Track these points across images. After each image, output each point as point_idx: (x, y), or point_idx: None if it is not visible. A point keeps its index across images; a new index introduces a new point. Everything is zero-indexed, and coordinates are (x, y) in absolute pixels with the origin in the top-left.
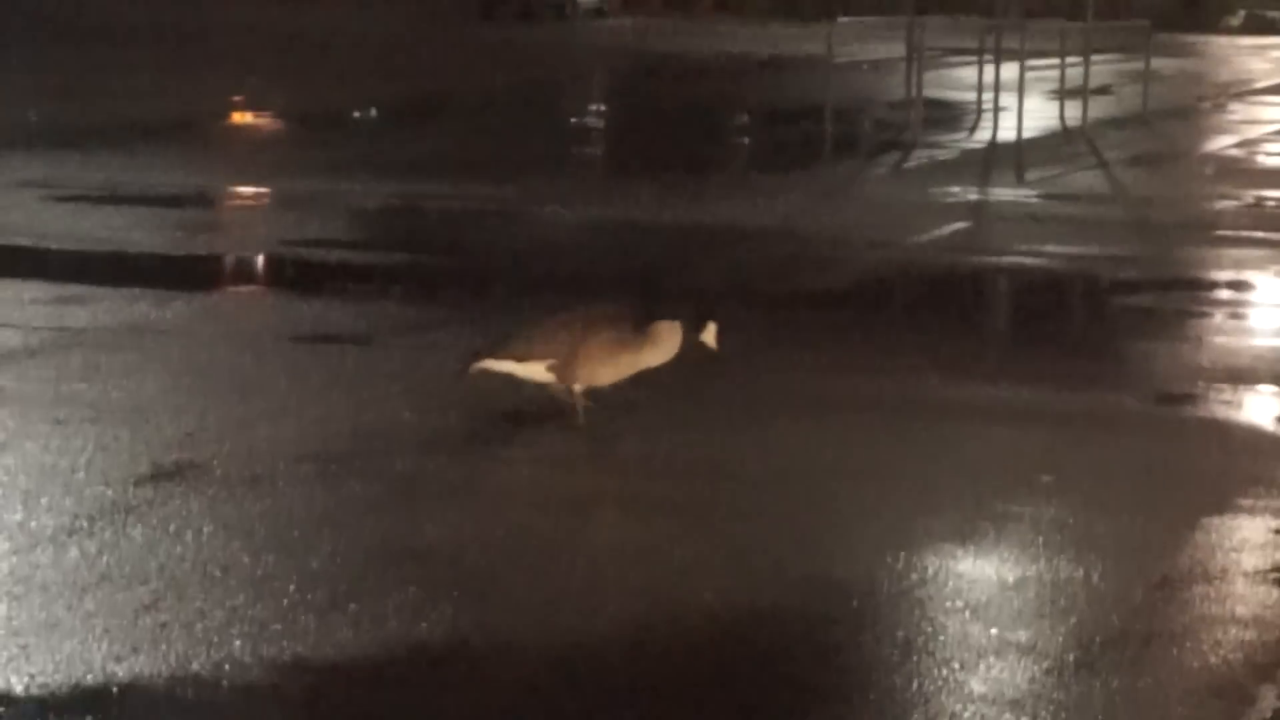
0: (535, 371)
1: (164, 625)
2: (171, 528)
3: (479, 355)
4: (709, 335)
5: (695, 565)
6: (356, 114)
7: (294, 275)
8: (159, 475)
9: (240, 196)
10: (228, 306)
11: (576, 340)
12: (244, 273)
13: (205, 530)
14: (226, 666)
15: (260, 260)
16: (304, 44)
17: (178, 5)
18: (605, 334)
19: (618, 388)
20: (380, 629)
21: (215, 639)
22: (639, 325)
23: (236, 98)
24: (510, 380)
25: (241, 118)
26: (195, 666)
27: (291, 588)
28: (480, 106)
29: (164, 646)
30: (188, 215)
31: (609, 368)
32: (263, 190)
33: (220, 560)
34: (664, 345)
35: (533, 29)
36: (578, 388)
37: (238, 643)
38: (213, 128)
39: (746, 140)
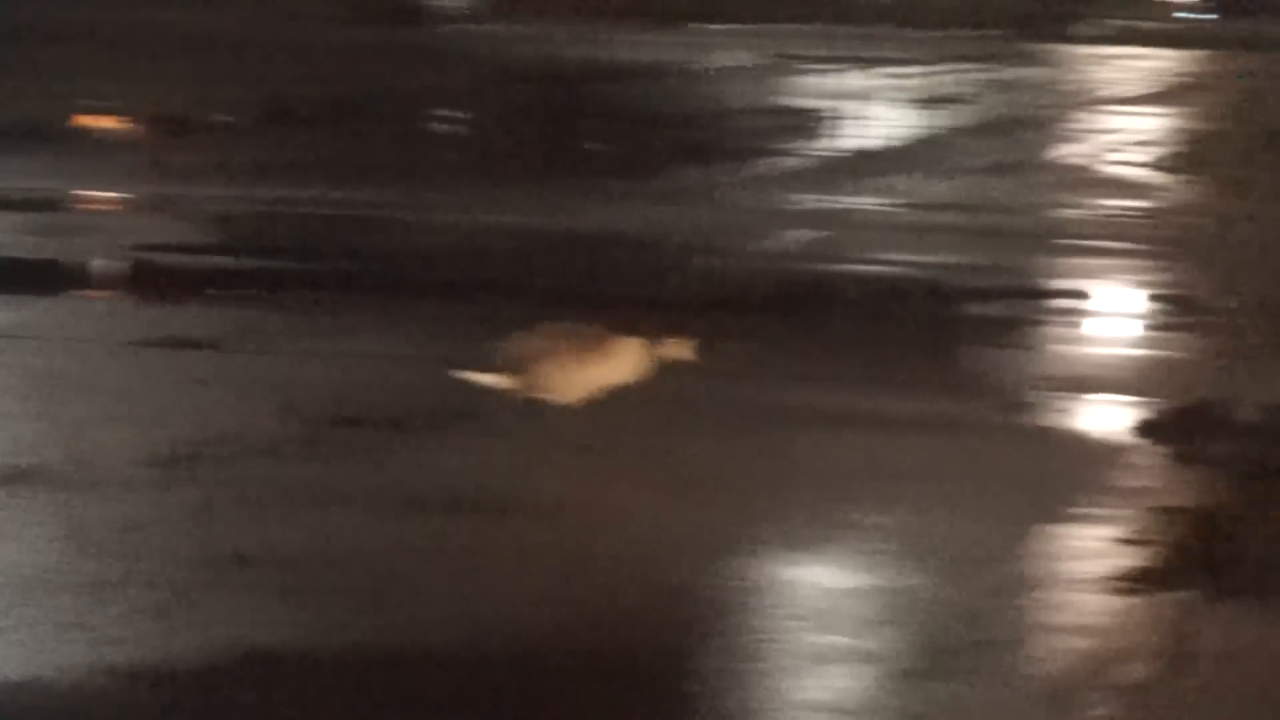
0: (499, 383)
1: None
2: (9, 531)
3: (449, 364)
4: (674, 348)
5: (540, 573)
6: (219, 117)
7: (145, 280)
8: None
9: (96, 200)
10: (76, 311)
11: (537, 356)
12: (95, 277)
13: (42, 536)
14: (60, 675)
15: (112, 265)
16: (165, 45)
17: (29, 4)
18: (566, 350)
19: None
20: (216, 634)
21: (51, 644)
22: (602, 342)
23: (95, 100)
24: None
25: (100, 120)
26: (29, 674)
27: (129, 593)
28: (345, 111)
29: None
30: (42, 219)
31: (569, 383)
32: (120, 195)
33: (58, 565)
34: (626, 362)
35: (399, 33)
36: (539, 396)
37: (73, 648)
38: (71, 130)
39: (603, 147)
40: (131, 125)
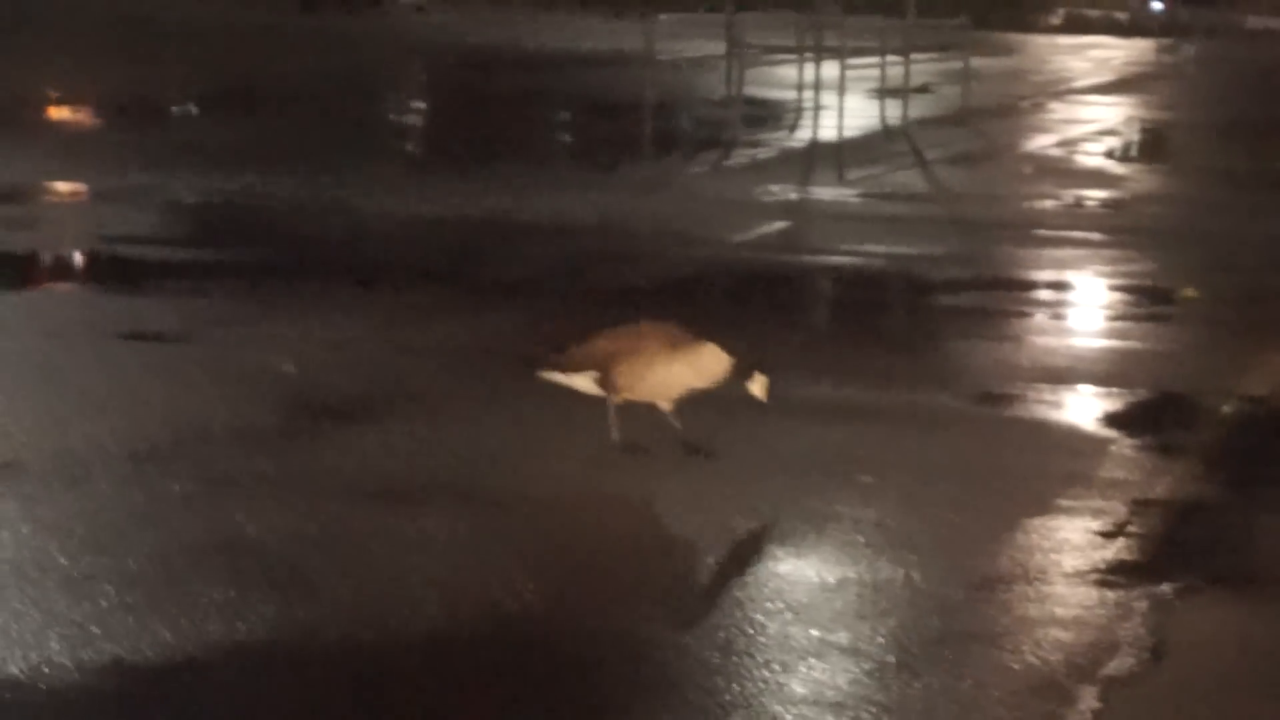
0: (582, 384)
1: None
2: None
3: (535, 364)
4: (758, 387)
5: (513, 561)
6: (176, 107)
7: (112, 271)
8: None
9: (58, 192)
10: (45, 303)
11: (620, 354)
12: (62, 269)
13: (22, 530)
14: (44, 669)
15: (78, 256)
16: (120, 35)
17: None
18: (647, 350)
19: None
20: (199, 629)
21: (32, 640)
22: (686, 345)
23: (53, 90)
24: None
25: (59, 111)
26: (13, 669)
27: (110, 588)
28: (301, 100)
29: None
30: (4, 211)
31: (648, 384)
32: (81, 185)
33: (37, 560)
34: (703, 369)
35: (353, 22)
36: (617, 401)
37: (55, 644)
38: (30, 121)
39: (567, 136)
40: (95, 115)
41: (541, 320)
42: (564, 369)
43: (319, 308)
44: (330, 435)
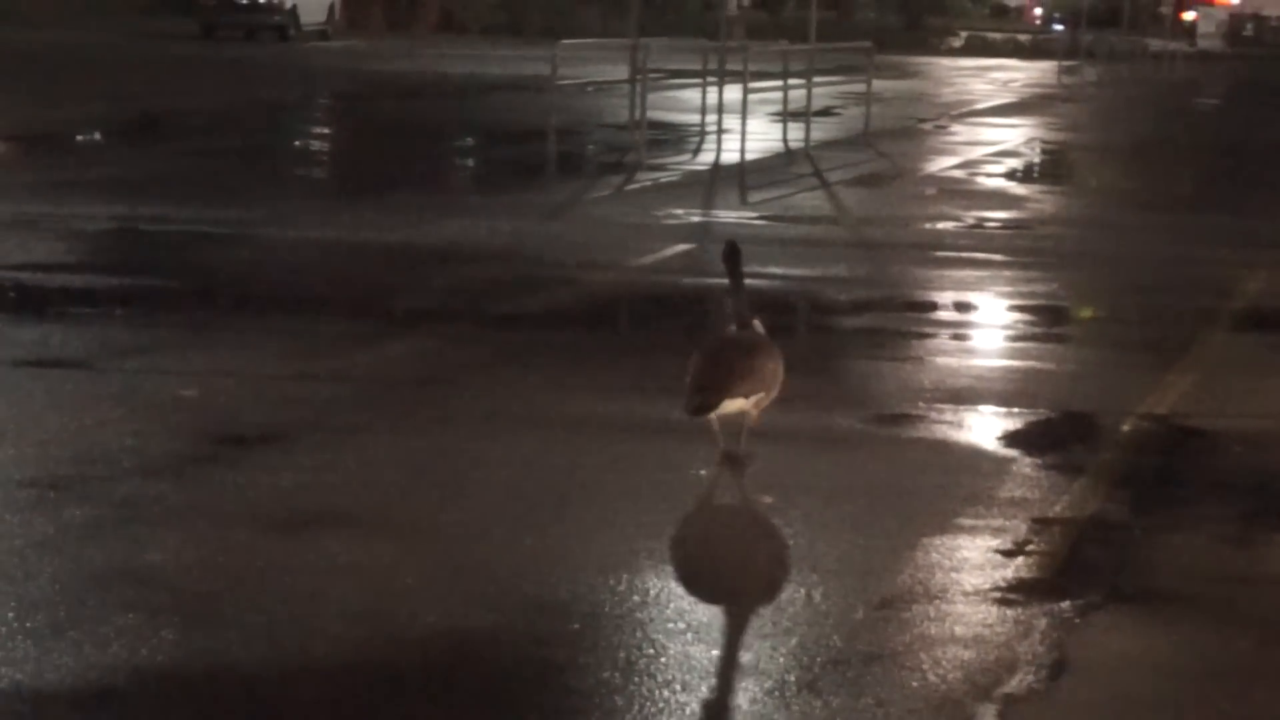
0: (745, 406)
1: None
2: None
3: (711, 404)
4: None
5: (418, 587)
6: (80, 136)
7: (14, 299)
8: None
9: None
10: None
11: (772, 368)
12: None
13: None
14: None
15: None
16: (20, 62)
17: None
18: (777, 354)
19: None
20: (102, 655)
21: None
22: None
23: None
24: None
25: None
26: None
27: (11, 615)
28: (204, 128)
29: None
30: None
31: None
32: None
33: None
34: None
35: (256, 50)
36: (757, 411)
37: None
38: None
39: (471, 162)
40: None
41: (447, 347)
42: (748, 394)
43: (224, 336)
44: (236, 463)
